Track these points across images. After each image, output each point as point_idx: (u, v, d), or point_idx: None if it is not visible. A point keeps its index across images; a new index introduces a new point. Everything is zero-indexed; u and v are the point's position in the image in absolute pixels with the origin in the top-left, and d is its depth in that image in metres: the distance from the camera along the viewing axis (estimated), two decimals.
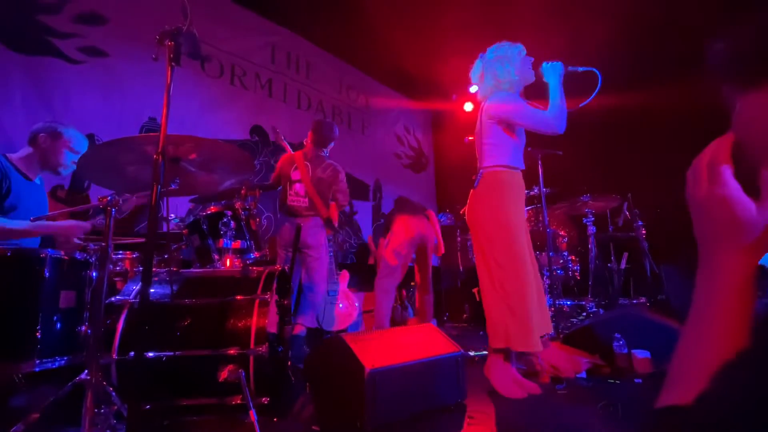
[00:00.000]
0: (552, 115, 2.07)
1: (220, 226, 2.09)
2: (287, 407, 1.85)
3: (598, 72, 2.10)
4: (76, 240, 1.87)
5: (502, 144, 2.21)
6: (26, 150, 2.06)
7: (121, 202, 1.43)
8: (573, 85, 2.16)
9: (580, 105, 2.15)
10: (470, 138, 3.63)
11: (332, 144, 3.27)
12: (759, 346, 0.40)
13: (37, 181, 2.12)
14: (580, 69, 2.14)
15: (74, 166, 2.12)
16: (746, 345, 0.42)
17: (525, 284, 2.05)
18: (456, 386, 1.84)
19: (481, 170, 2.24)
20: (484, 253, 2.15)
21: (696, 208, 0.50)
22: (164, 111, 1.23)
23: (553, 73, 2.14)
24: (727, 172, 0.47)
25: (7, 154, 2.02)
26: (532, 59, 2.23)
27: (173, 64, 1.23)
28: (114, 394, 1.36)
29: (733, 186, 0.47)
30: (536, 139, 3.91)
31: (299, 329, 3.02)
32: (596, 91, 2.10)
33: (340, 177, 3.17)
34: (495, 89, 2.26)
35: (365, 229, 5.63)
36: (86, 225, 1.90)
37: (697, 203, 0.49)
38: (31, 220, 1.73)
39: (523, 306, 2.02)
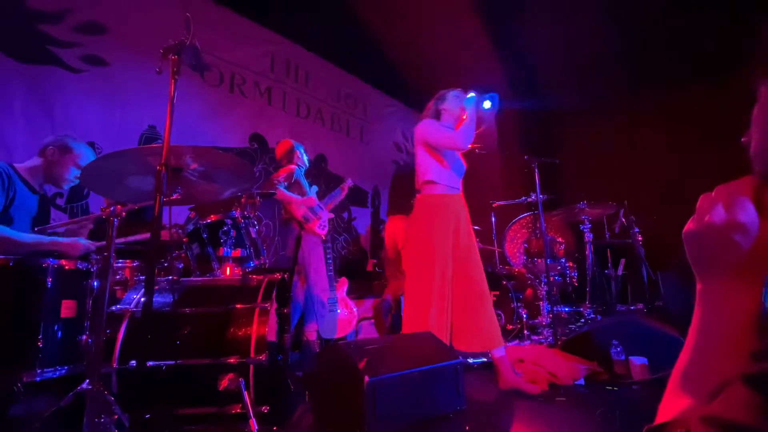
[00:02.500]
0: (456, 133, 2.38)
1: (220, 234, 2.10)
2: (287, 416, 1.85)
3: (495, 96, 2.52)
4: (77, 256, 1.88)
5: (430, 164, 2.45)
6: (34, 161, 2.07)
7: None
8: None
9: (482, 128, 2.53)
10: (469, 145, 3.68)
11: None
12: (761, 365, 0.41)
13: (42, 191, 2.13)
14: (485, 97, 2.52)
15: (77, 181, 2.13)
16: (749, 363, 0.43)
17: (426, 302, 2.27)
18: (455, 394, 1.85)
19: (416, 195, 2.53)
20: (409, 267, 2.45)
21: (709, 234, 0.50)
22: (167, 123, 1.25)
23: (469, 103, 2.45)
24: (749, 202, 0.48)
25: (14, 164, 2.03)
26: (462, 99, 2.52)
27: (176, 77, 1.25)
28: (115, 403, 1.37)
29: (753, 214, 0.48)
30: (534, 147, 3.95)
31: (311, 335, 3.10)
32: (495, 113, 2.54)
33: None
34: (423, 117, 2.58)
35: (363, 236, 5.64)
36: (91, 246, 1.90)
37: (712, 229, 0.49)
38: (36, 230, 1.74)
39: (420, 319, 2.25)
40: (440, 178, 2.43)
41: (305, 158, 3.57)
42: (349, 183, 3.89)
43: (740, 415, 0.37)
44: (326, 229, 3.46)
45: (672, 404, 0.49)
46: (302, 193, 3.39)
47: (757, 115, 0.54)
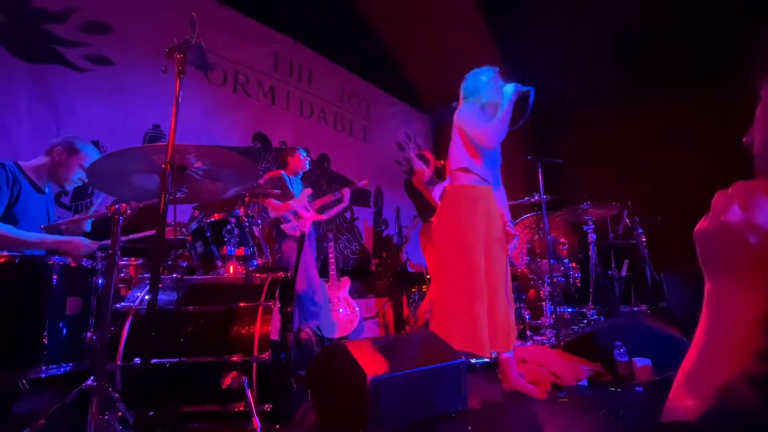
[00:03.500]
0: (487, 129, 2.22)
1: (223, 233, 2.11)
2: (290, 414, 1.85)
3: (532, 90, 2.24)
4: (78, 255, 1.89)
5: (464, 151, 2.34)
6: (40, 159, 2.07)
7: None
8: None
9: (516, 125, 2.30)
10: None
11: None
12: (765, 368, 0.41)
13: (46, 190, 2.14)
14: (523, 88, 2.26)
15: (80, 183, 2.14)
16: (755, 364, 0.43)
17: (472, 292, 2.16)
18: (457, 394, 1.85)
19: (446, 184, 2.41)
20: (440, 260, 2.32)
21: (724, 234, 0.49)
22: (172, 122, 1.26)
23: (506, 94, 2.27)
24: (765, 203, 0.48)
25: (20, 162, 2.04)
26: (501, 83, 2.35)
27: (181, 76, 1.25)
28: (119, 400, 1.38)
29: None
30: (537, 147, 3.95)
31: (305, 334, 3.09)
32: (529, 109, 2.24)
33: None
34: (463, 102, 2.44)
35: (366, 236, 5.65)
36: (93, 246, 1.91)
37: (727, 229, 0.49)
38: (41, 228, 1.75)
39: (469, 310, 2.13)
40: (473, 167, 2.31)
41: (306, 163, 3.63)
42: (362, 183, 3.89)
43: (745, 416, 0.37)
44: (305, 229, 3.43)
45: (677, 404, 0.49)
46: (287, 197, 3.41)
47: (759, 115, 0.54)
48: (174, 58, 1.26)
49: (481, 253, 2.22)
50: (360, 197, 5.61)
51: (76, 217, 2.08)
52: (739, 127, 0.63)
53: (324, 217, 3.72)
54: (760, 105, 0.53)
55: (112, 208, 1.45)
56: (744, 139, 0.57)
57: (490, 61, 2.48)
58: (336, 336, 3.68)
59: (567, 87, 5.14)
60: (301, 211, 3.41)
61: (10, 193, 1.89)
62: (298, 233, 3.39)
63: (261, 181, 3.35)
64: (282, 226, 3.34)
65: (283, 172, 3.51)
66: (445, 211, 2.35)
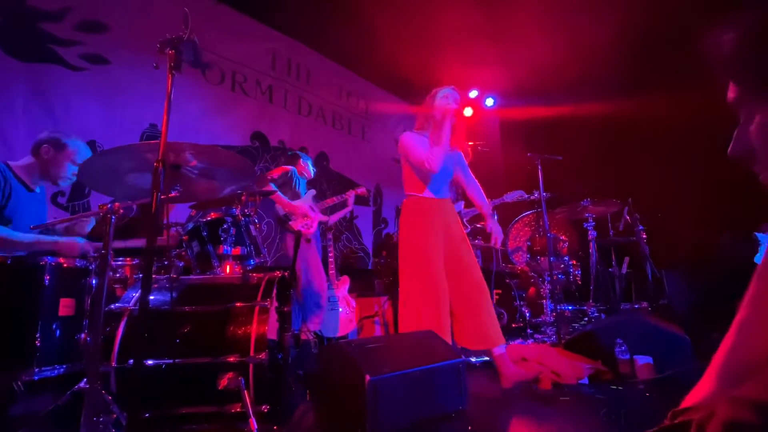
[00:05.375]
0: (428, 158, 2.30)
1: (220, 232, 2.08)
2: (287, 415, 1.83)
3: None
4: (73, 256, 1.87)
5: (411, 175, 2.47)
6: (28, 159, 2.04)
7: None
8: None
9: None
10: (470, 143, 3.66)
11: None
12: None
13: (37, 190, 2.11)
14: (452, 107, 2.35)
15: (74, 178, 2.11)
16: None
17: (419, 302, 2.26)
18: (457, 394, 1.83)
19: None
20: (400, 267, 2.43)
21: None
22: (165, 119, 1.23)
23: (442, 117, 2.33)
24: None
25: (9, 162, 2.01)
26: (449, 100, 2.42)
27: (174, 72, 1.23)
28: (113, 402, 1.36)
29: None
30: (537, 144, 3.92)
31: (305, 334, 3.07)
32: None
33: None
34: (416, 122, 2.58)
35: (365, 235, 5.63)
36: (87, 248, 1.88)
37: None
38: (31, 228, 1.72)
39: (418, 316, 2.24)
40: (423, 191, 2.45)
41: (311, 170, 3.67)
42: (360, 190, 3.90)
43: None
44: (312, 229, 3.42)
45: (701, 388, 0.48)
46: (294, 195, 3.42)
47: (756, 131, 0.51)
48: (165, 53, 1.23)
49: (440, 261, 2.32)
50: (359, 196, 5.59)
51: (68, 218, 2.05)
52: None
53: (329, 219, 3.74)
54: (758, 120, 0.51)
55: (105, 207, 1.42)
56: (729, 152, 0.55)
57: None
58: (335, 335, 3.67)
59: (567, 84, 5.12)
60: (308, 211, 3.41)
61: (1, 194, 1.87)
62: (311, 231, 3.40)
63: (275, 175, 3.37)
64: (290, 223, 3.34)
65: (293, 168, 3.52)
66: (403, 223, 2.47)
